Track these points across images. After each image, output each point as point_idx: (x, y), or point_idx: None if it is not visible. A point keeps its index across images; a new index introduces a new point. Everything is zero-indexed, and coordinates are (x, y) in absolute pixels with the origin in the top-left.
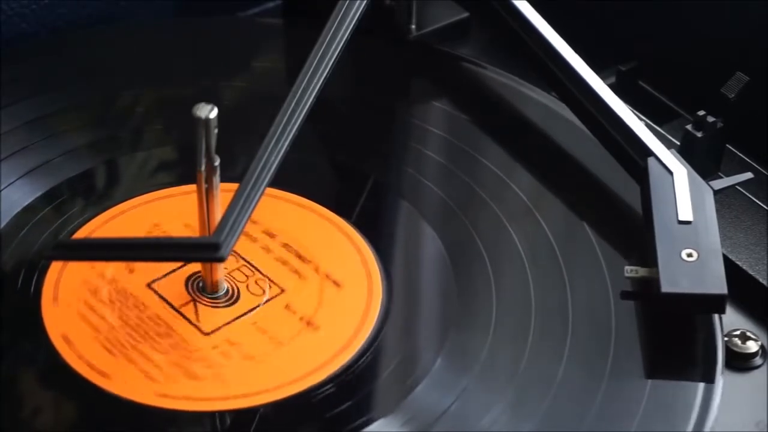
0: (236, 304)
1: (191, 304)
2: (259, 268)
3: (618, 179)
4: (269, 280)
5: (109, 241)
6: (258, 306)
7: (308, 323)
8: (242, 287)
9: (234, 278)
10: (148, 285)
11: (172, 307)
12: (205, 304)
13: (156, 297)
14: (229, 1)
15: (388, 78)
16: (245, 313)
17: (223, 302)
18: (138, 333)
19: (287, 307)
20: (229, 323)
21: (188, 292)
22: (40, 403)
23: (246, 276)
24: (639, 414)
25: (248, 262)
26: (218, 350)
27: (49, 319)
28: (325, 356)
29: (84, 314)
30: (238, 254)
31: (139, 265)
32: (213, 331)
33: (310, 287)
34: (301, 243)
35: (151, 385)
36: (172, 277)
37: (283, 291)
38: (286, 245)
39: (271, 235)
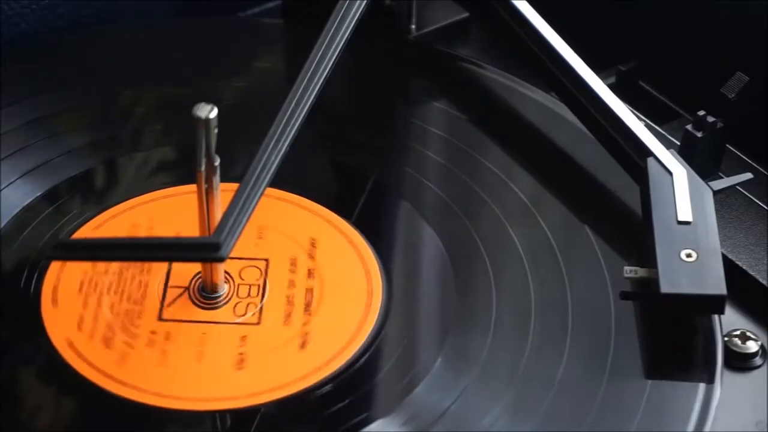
0: (216, 310)
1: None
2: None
3: (617, 179)
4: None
5: (109, 241)
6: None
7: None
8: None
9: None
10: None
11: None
12: (191, 298)
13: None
14: (229, 1)
15: (388, 78)
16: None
17: (208, 303)
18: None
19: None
20: (186, 321)
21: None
22: (40, 403)
23: (246, 278)
24: (639, 414)
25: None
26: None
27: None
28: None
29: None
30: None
31: None
32: (166, 320)
33: (307, 288)
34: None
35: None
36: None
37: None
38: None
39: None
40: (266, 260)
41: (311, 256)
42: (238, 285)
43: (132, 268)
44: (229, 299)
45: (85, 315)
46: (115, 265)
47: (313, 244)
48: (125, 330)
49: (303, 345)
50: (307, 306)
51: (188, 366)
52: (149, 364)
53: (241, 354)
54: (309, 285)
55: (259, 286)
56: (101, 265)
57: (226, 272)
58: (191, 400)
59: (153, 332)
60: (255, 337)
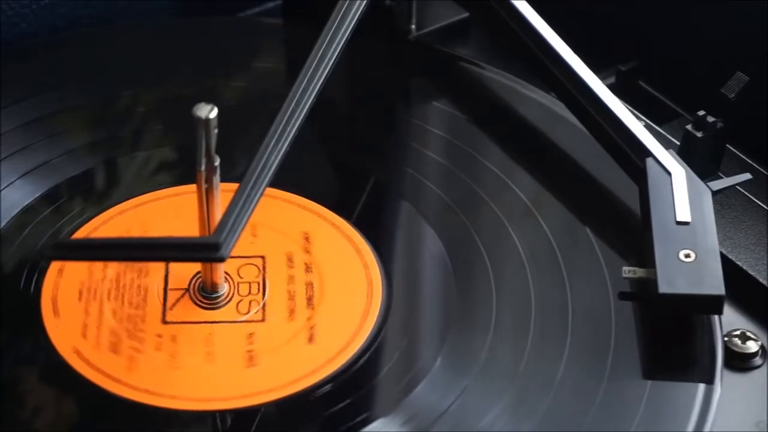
0: (220, 309)
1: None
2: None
3: (617, 180)
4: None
5: (109, 241)
6: (242, 318)
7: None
8: (239, 290)
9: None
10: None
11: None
12: (192, 299)
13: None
14: (229, 1)
15: (388, 78)
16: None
17: (210, 303)
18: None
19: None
20: (191, 323)
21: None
22: (39, 403)
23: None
24: (639, 414)
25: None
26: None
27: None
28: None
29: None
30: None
31: None
32: (171, 322)
33: (307, 283)
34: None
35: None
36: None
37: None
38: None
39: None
40: (263, 257)
41: (307, 251)
42: (238, 283)
43: (129, 273)
44: (231, 298)
45: (88, 323)
46: (111, 272)
47: (306, 239)
48: (131, 335)
49: (311, 339)
50: (309, 300)
51: (199, 367)
52: (159, 367)
53: (250, 352)
54: (308, 279)
55: (258, 283)
56: (98, 273)
57: (224, 271)
58: (204, 400)
59: (159, 335)
60: (262, 334)
